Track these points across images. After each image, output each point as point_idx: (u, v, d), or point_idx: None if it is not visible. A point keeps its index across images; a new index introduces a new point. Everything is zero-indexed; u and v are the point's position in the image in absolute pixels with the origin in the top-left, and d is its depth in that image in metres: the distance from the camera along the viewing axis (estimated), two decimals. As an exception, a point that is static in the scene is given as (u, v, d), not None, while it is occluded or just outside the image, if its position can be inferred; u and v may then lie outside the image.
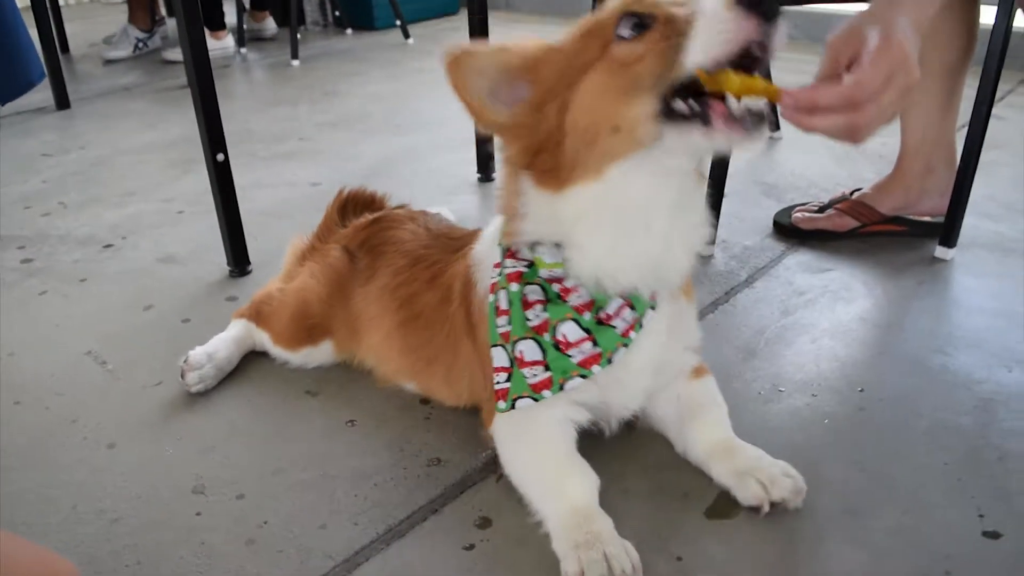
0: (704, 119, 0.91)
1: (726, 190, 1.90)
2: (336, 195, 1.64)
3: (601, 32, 0.96)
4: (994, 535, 1.07)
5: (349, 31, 4.59)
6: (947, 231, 1.77)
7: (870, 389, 1.37)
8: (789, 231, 1.91)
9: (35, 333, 1.69)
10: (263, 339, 1.52)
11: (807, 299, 1.66)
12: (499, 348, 1.09)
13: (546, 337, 1.06)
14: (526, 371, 1.07)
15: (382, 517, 1.15)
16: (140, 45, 4.21)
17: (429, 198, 2.18)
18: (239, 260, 1.86)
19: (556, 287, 1.07)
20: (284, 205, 2.29)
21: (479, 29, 2.19)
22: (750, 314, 1.61)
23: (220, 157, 1.77)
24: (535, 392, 1.07)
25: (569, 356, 1.06)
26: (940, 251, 1.78)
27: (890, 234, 1.87)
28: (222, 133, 1.76)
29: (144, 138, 2.98)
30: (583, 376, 1.07)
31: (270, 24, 4.51)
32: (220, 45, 4.08)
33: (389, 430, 1.34)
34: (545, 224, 1.05)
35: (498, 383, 1.10)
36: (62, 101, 3.35)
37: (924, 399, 1.34)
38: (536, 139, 1.01)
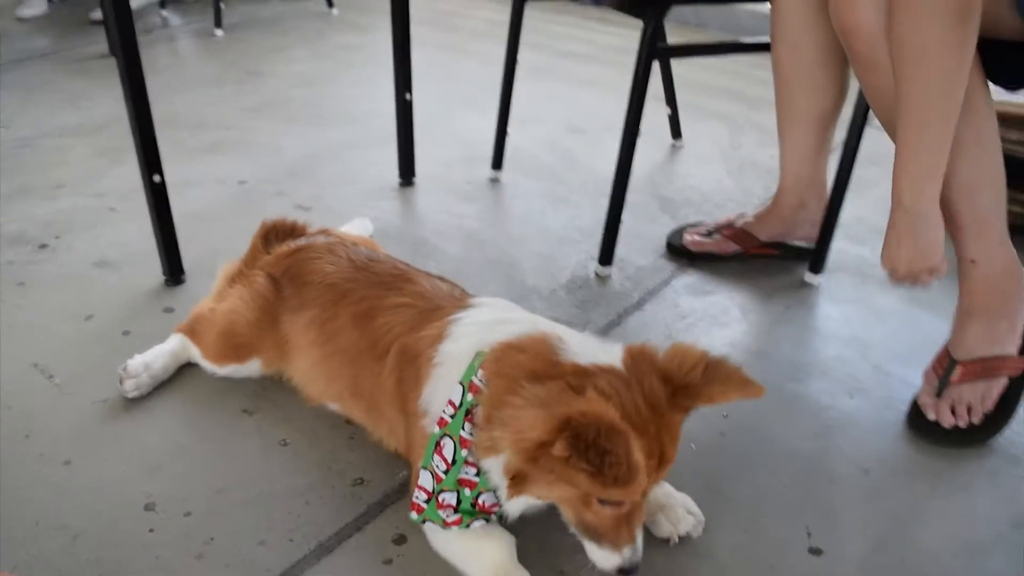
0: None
1: (626, 201, 2.06)
2: (260, 226, 1.76)
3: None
4: (817, 551, 1.34)
5: (278, -7, 4.56)
6: (815, 258, 2.03)
7: (734, 415, 1.63)
8: (680, 252, 2.14)
9: (-22, 343, 1.78)
10: (195, 353, 1.67)
11: (688, 323, 1.90)
12: (427, 472, 1.24)
13: (467, 493, 1.23)
14: (441, 512, 1.24)
15: (314, 534, 1.34)
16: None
17: (349, 205, 2.32)
18: (174, 270, 1.97)
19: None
20: (213, 206, 2.38)
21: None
22: (638, 337, 1.84)
23: (156, 179, 1.86)
24: (445, 527, 1.24)
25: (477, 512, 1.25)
26: (809, 276, 2.05)
27: (768, 256, 2.13)
28: (158, 155, 1.86)
29: (69, 118, 2.98)
30: (486, 519, 1.26)
31: (192, -16, 4.43)
32: None
33: (318, 450, 1.52)
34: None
35: (416, 498, 1.26)
36: (-22, 70, 3.29)
37: (776, 426, 1.60)
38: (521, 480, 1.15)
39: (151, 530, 1.35)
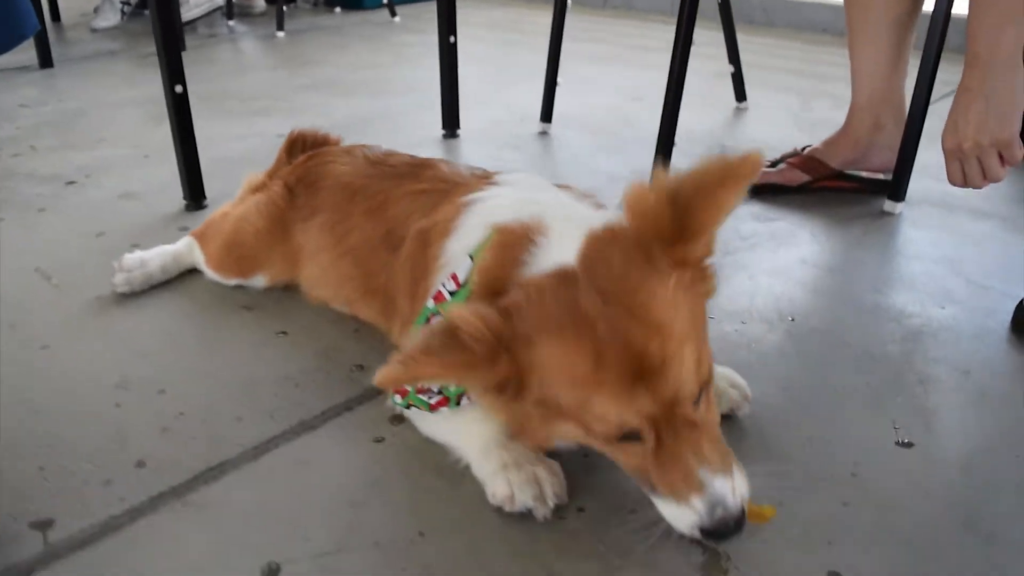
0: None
1: (684, 152, 1.91)
2: (287, 136, 1.65)
3: (587, 415, 0.86)
4: (907, 445, 1.08)
5: (338, 10, 4.62)
6: (895, 185, 1.78)
7: (801, 320, 1.39)
8: (742, 185, 1.92)
9: (-14, 253, 1.70)
10: (199, 258, 1.54)
11: (750, 243, 1.67)
12: None
13: (451, 388, 1.02)
14: (423, 396, 1.04)
15: (298, 413, 1.16)
16: (125, 9, 4.23)
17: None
18: (195, 194, 1.87)
19: None
20: (248, 153, 2.30)
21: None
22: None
23: (179, 89, 1.79)
24: (432, 410, 1.05)
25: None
26: (888, 205, 1.80)
27: (841, 191, 1.89)
28: (181, 65, 1.79)
29: (124, 94, 2.99)
30: None
31: (259, 2, 4.54)
32: None
33: (319, 340, 1.35)
34: None
35: None
36: (46, 60, 3.37)
37: (853, 331, 1.35)
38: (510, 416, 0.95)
39: (117, 405, 1.19)
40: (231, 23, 4.27)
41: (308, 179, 1.46)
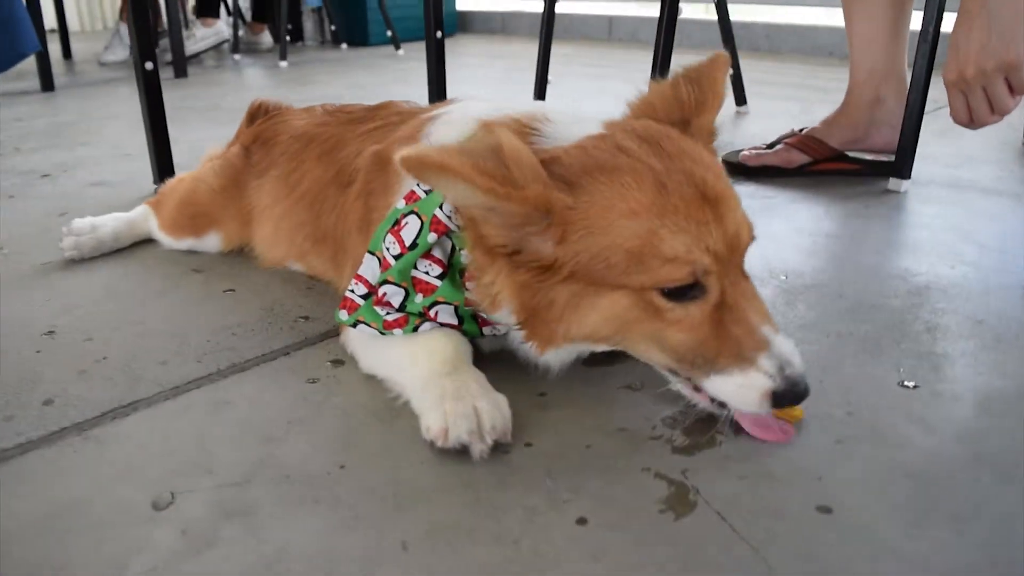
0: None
1: None
2: (249, 106, 1.58)
3: (645, 271, 0.77)
4: (912, 388, 0.95)
5: (344, 46, 4.66)
6: (900, 161, 1.67)
7: (793, 278, 1.26)
8: (735, 168, 1.82)
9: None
10: (153, 225, 1.45)
11: (743, 214, 1.56)
12: (373, 257, 0.94)
13: (418, 298, 0.92)
14: (379, 309, 0.93)
15: (229, 357, 1.05)
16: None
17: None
18: (163, 169, 1.80)
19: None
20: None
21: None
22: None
23: (149, 66, 1.73)
24: (386, 329, 0.93)
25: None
26: (893, 183, 1.68)
27: (843, 173, 1.78)
28: (152, 43, 1.73)
29: (116, 110, 2.97)
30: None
31: (266, 38, 4.59)
32: (212, 31, 4.14)
33: (265, 297, 1.25)
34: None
35: (351, 292, 0.95)
36: (47, 84, 3.39)
37: (852, 285, 1.23)
38: (530, 301, 0.83)
39: (38, 351, 1.09)
40: (236, 57, 4.31)
41: (264, 136, 1.39)
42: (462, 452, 0.82)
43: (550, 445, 0.84)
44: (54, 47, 4.68)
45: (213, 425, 0.90)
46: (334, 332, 1.11)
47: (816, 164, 1.77)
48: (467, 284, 0.90)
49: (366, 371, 0.99)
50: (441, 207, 0.89)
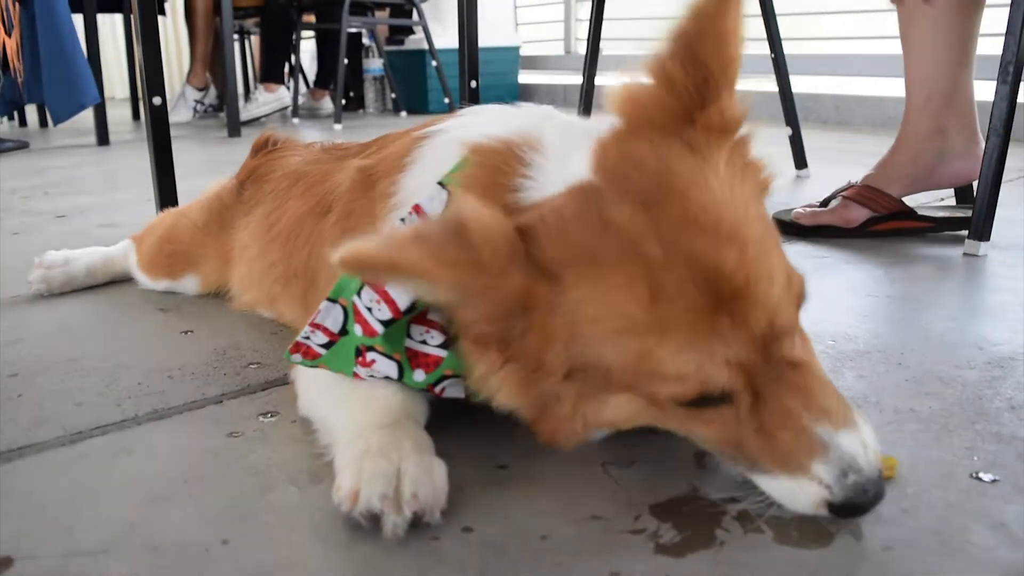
0: None
1: None
2: (256, 140, 1.48)
3: (650, 384, 0.63)
4: (990, 481, 0.72)
5: (403, 114, 4.66)
6: (977, 219, 1.43)
7: (842, 342, 1.04)
8: (788, 227, 1.61)
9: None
10: (133, 261, 1.34)
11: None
12: (335, 306, 0.77)
13: (418, 376, 0.74)
14: (363, 370, 0.75)
15: (153, 403, 0.90)
16: (198, 107, 4.37)
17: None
18: (165, 203, 1.70)
19: None
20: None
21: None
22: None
23: (157, 100, 1.66)
24: (356, 378, 0.76)
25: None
26: (970, 244, 1.44)
27: (910, 232, 1.55)
28: (162, 77, 1.67)
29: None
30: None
31: (327, 104, 4.64)
32: (274, 97, 4.20)
33: (224, 339, 1.10)
34: None
35: (306, 339, 0.78)
36: (103, 138, 3.46)
37: (914, 354, 1.00)
38: (535, 400, 0.67)
39: (-52, 385, 0.95)
40: (296, 120, 4.35)
41: (259, 172, 1.27)
42: (377, 529, 0.63)
43: (494, 532, 0.65)
44: (123, 111, 4.87)
45: (99, 479, 0.74)
46: (280, 381, 0.95)
47: (880, 222, 1.55)
48: None
49: (302, 412, 0.82)
50: None
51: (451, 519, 0.65)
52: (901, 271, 1.37)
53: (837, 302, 1.20)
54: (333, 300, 0.77)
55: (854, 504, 0.61)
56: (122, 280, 1.36)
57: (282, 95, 4.30)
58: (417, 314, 0.72)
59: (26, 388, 0.94)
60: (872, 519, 0.65)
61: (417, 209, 0.75)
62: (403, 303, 0.71)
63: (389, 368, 0.74)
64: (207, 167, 2.76)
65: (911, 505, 0.68)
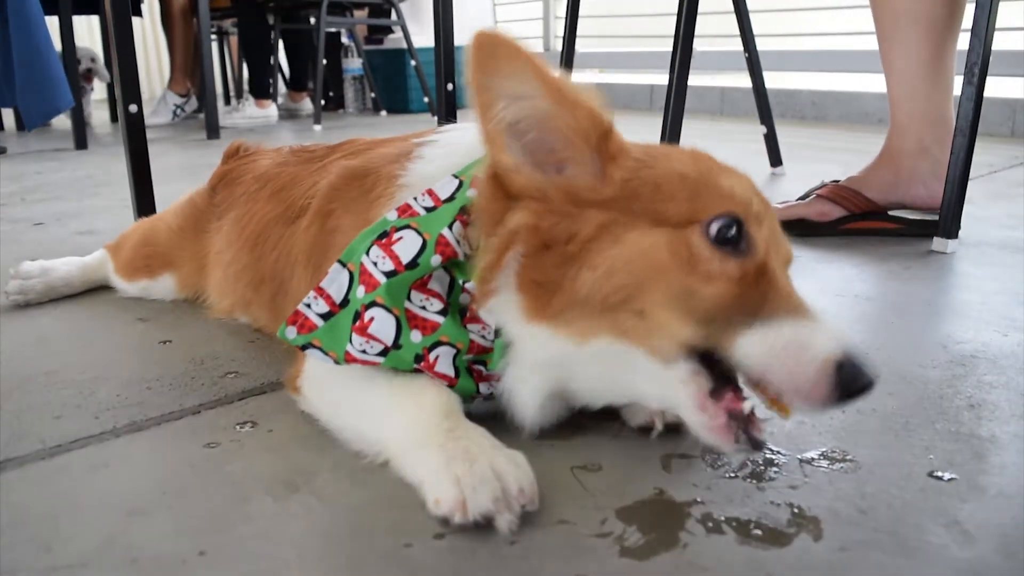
0: (716, 395, 0.69)
1: None
2: (226, 148, 1.48)
3: (696, 198, 0.71)
4: (946, 480, 0.74)
5: (383, 113, 4.66)
6: (945, 218, 1.47)
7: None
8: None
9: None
10: (109, 269, 1.34)
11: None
12: (343, 270, 0.78)
13: (415, 337, 0.75)
14: (357, 339, 0.75)
15: (131, 414, 0.91)
16: (178, 111, 4.35)
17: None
18: (143, 209, 1.71)
19: (478, 332, 0.77)
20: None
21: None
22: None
23: (133, 108, 1.66)
24: (347, 361, 0.77)
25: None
26: (938, 242, 1.48)
27: (881, 232, 1.58)
28: (138, 85, 1.67)
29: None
30: None
31: (306, 104, 4.63)
32: (263, 113, 4.19)
33: (202, 349, 1.11)
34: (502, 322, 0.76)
35: (306, 307, 0.78)
36: (80, 142, 3.43)
37: (880, 352, 1.03)
38: (550, 231, 0.72)
39: (-75, 400, 0.96)
40: (274, 121, 4.34)
41: (230, 177, 1.28)
42: (373, 538, 0.65)
43: (465, 538, 0.66)
44: (101, 112, 4.83)
45: (78, 492, 0.75)
46: (257, 390, 0.96)
47: (852, 221, 1.58)
48: (468, 325, 0.76)
49: (312, 412, 0.84)
50: (451, 227, 0.75)
51: (423, 526, 0.67)
52: (872, 270, 1.39)
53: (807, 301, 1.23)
54: (343, 264, 0.79)
55: (859, 374, 0.64)
56: (99, 288, 1.37)
57: (270, 113, 4.30)
58: (418, 280, 0.75)
59: (4, 401, 0.95)
60: (830, 519, 0.68)
61: (431, 193, 0.79)
62: (406, 258, 0.75)
63: (387, 325, 0.74)
64: (186, 171, 2.76)
65: (869, 505, 0.70)
